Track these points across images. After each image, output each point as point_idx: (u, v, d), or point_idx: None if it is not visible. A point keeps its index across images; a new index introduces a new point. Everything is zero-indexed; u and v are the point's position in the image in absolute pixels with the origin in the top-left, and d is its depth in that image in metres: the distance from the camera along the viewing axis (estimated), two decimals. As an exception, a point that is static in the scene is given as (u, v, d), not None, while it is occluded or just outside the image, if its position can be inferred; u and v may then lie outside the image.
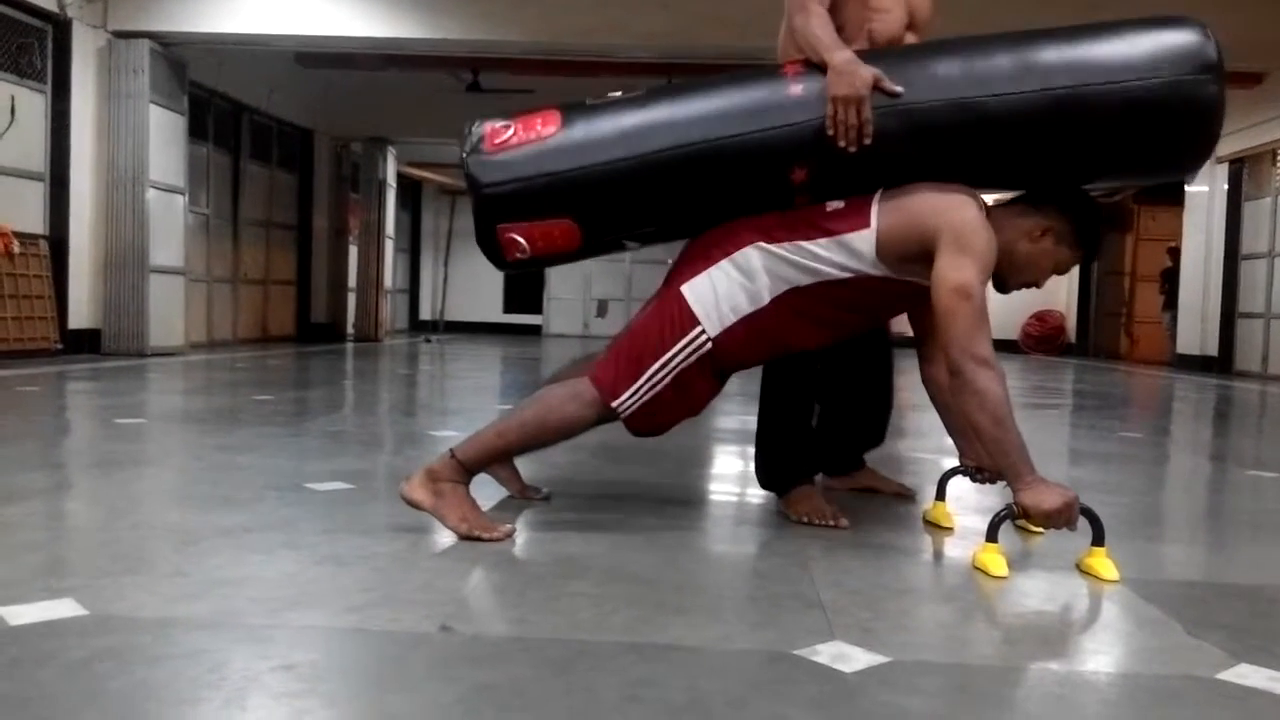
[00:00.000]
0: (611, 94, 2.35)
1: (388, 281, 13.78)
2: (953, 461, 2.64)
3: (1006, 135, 2.18)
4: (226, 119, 10.98)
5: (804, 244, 2.21)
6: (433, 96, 11.58)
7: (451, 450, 2.27)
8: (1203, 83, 2.10)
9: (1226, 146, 11.54)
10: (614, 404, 2.23)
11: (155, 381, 6.32)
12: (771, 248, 2.22)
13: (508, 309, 18.44)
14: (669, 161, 2.22)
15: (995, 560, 2.05)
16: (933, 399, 2.55)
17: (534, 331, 17.75)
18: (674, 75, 9.88)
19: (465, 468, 2.26)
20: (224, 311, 11.10)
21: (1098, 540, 2.07)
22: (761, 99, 2.24)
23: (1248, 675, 1.50)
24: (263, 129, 11.81)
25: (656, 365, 2.23)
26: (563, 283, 17.76)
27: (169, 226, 8.65)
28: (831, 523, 2.42)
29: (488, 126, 2.27)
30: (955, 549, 2.32)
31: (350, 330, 13.14)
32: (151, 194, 8.33)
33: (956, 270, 2.10)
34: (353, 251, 13.31)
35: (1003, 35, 2.26)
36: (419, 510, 2.23)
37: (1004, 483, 2.21)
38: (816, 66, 2.25)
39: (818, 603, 1.82)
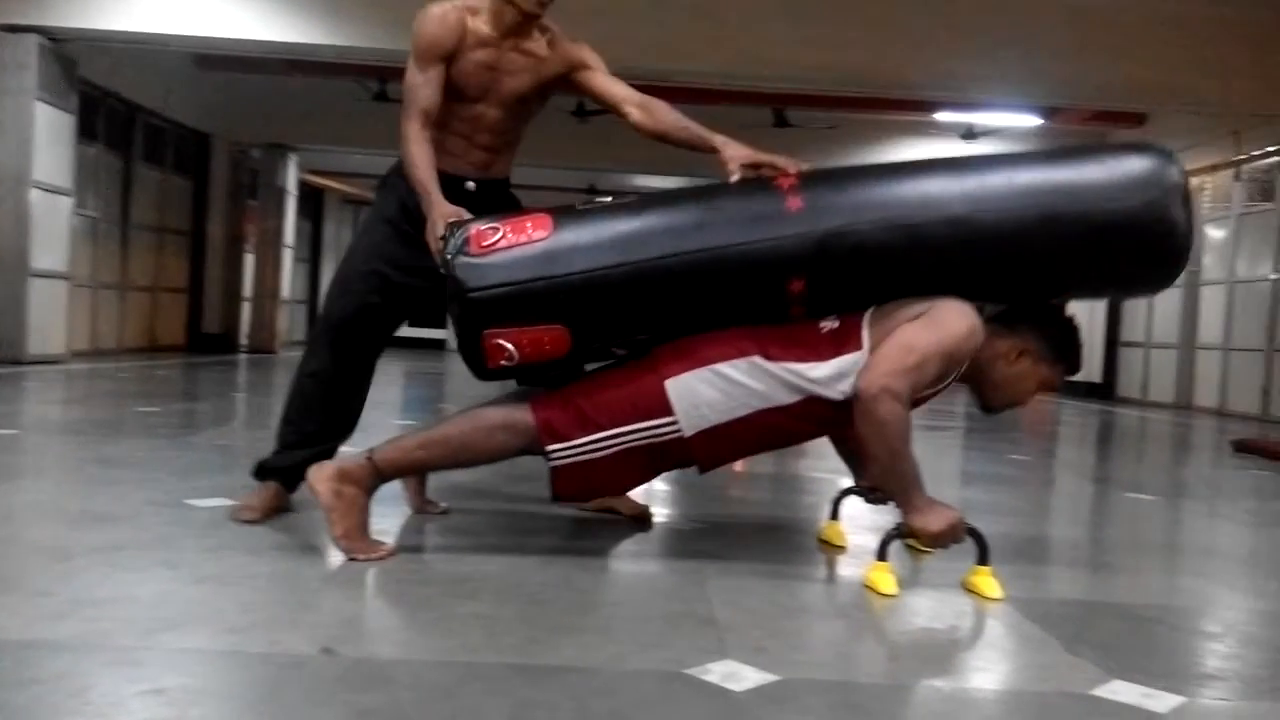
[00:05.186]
0: (600, 200, 2.33)
1: (285, 292, 13.43)
2: (848, 481, 2.68)
3: (997, 250, 2.23)
4: (119, 120, 10.59)
5: (797, 366, 2.18)
6: (338, 104, 11.36)
7: (369, 453, 2.21)
8: (1168, 205, 2.20)
9: (1110, 182, 12.06)
10: (549, 447, 2.17)
11: (32, 391, 6.04)
12: (767, 365, 2.18)
13: (409, 322, 18.17)
14: (667, 269, 2.18)
15: (885, 579, 2.08)
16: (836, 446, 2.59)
17: (437, 346, 17.52)
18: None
19: (380, 473, 2.20)
20: (110, 319, 10.66)
21: (982, 560, 2.12)
22: (760, 210, 2.24)
23: (1120, 691, 1.54)
24: (157, 131, 11.42)
25: (611, 432, 2.17)
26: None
27: (53, 229, 8.28)
28: (246, 516, 2.42)
29: (473, 229, 2.19)
30: (848, 568, 2.35)
31: (244, 341, 12.76)
32: (34, 195, 7.96)
33: (921, 332, 2.12)
34: (249, 260, 12.95)
35: (989, 157, 2.39)
36: (314, 497, 2.17)
37: (895, 503, 2.25)
38: (812, 180, 2.28)
39: (712, 621, 1.82)
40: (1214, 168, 10.05)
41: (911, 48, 7.86)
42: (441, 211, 2.25)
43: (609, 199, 2.35)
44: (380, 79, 10.50)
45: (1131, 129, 10.99)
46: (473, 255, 2.16)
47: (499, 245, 2.17)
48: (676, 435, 2.18)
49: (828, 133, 11.94)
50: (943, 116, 10.78)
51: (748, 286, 2.21)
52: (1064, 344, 2.32)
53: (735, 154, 2.34)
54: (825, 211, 2.21)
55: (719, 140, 2.39)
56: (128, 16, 7.80)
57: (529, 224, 2.21)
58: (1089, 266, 2.27)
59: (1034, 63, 7.89)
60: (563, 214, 2.27)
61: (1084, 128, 11.18)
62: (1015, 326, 2.30)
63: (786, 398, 2.18)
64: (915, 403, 2.17)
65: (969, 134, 11.74)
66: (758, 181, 2.33)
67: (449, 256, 2.17)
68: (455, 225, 2.22)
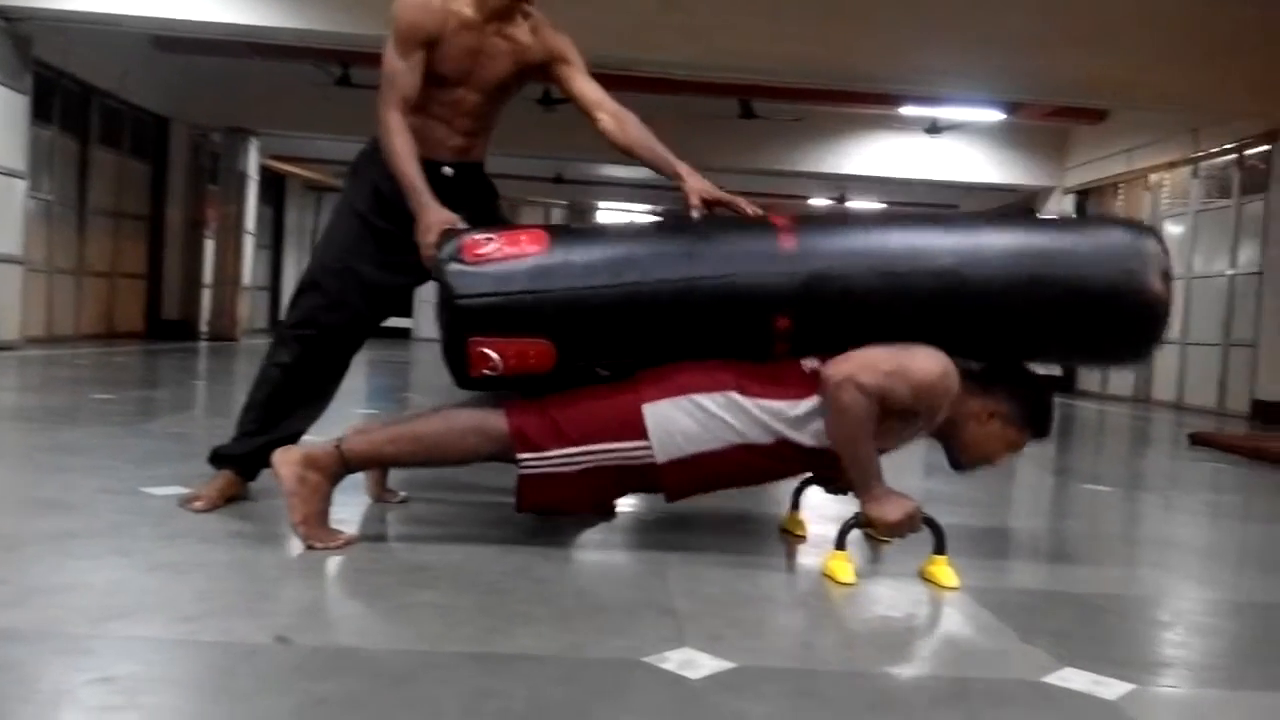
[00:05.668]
0: (595, 222, 2.33)
1: (246, 278, 13.25)
2: (808, 472, 2.68)
3: (979, 306, 2.25)
4: (74, 101, 10.38)
5: (775, 404, 2.18)
6: (300, 88, 11.23)
7: (338, 442, 2.19)
8: (1147, 278, 2.24)
9: (1073, 178, 12.24)
10: (520, 456, 2.16)
11: (-15, 376, 5.92)
12: (744, 401, 2.18)
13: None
14: (657, 294, 2.19)
15: (843, 567, 2.10)
16: None
17: (403, 335, 17.40)
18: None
19: (347, 464, 2.19)
20: (66, 305, 10.46)
21: (939, 549, 2.15)
22: (753, 246, 2.25)
23: (1071, 679, 1.57)
24: (114, 114, 11.21)
25: (583, 448, 2.16)
26: (434, 286, 17.39)
27: (6, 212, 8.14)
28: (196, 506, 2.40)
29: (467, 238, 2.19)
30: (808, 557, 2.36)
31: (204, 328, 12.59)
32: (-13, 177, 7.82)
33: (893, 355, 2.12)
34: (209, 246, 12.77)
35: (980, 215, 2.44)
36: (277, 482, 2.14)
37: (854, 493, 2.27)
38: (805, 220, 2.34)
39: (670, 610, 1.82)
40: (1172, 164, 10.20)
41: (878, 41, 7.89)
42: (438, 218, 2.23)
43: (605, 222, 2.36)
44: (342, 63, 10.39)
45: (1093, 125, 11.13)
46: (465, 263, 2.16)
47: (492, 256, 2.17)
48: (648, 460, 2.18)
49: (793, 125, 11.98)
50: (907, 110, 10.84)
51: (735, 319, 2.23)
52: (1036, 411, 2.33)
53: (696, 186, 2.38)
54: (816, 253, 2.24)
55: (683, 169, 2.41)
56: (84, -5, 7.65)
57: (523, 238, 2.21)
58: (1067, 331, 2.30)
59: (998, 57, 7.95)
60: (557, 231, 2.28)
61: (1045, 123, 11.31)
62: (990, 388, 2.30)
63: (760, 437, 2.19)
64: (881, 450, 2.19)
65: (933, 128, 11.83)
66: (755, 219, 2.37)
67: (441, 262, 2.16)
68: (449, 233, 2.21)
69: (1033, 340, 2.35)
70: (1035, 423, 2.34)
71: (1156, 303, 2.26)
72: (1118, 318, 2.27)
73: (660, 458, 2.17)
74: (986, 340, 2.33)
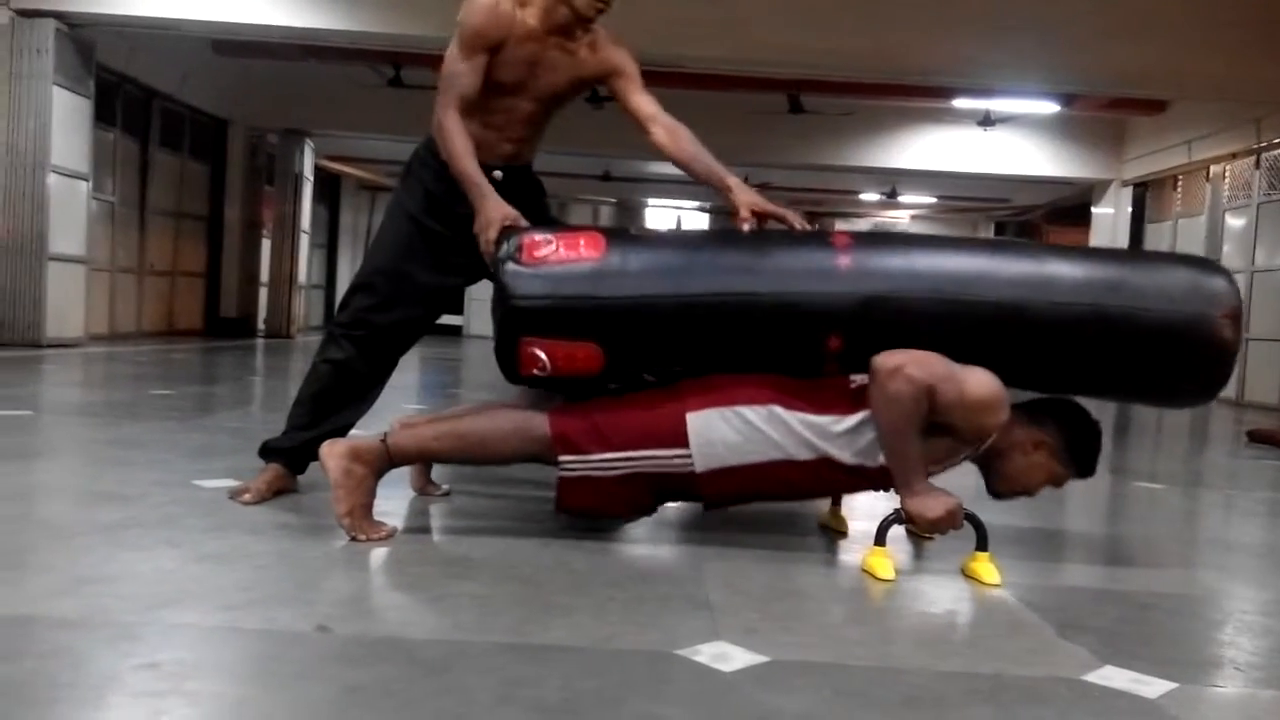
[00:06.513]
0: (653, 229, 2.35)
1: (302, 277, 13.46)
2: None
3: (1037, 336, 2.22)
4: (136, 105, 10.63)
5: (819, 419, 2.18)
6: (353, 90, 11.37)
7: (384, 437, 2.24)
8: (1217, 321, 2.20)
9: (1131, 170, 11.98)
10: (562, 457, 2.19)
11: (49, 373, 6.09)
12: (786, 415, 2.18)
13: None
14: (710, 306, 2.20)
15: (882, 563, 2.09)
16: None
17: (454, 332, 17.57)
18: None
19: (391, 458, 2.23)
20: (128, 303, 10.73)
21: (981, 545, 2.12)
22: (811, 263, 2.25)
23: (1111, 677, 1.55)
24: (174, 116, 11.46)
25: (624, 453, 2.18)
26: (485, 284, 17.52)
27: (71, 213, 8.34)
28: (244, 499, 2.44)
29: (526, 238, 2.22)
30: (847, 553, 2.35)
31: (261, 326, 12.83)
32: (52, 179, 8.02)
33: (947, 364, 2.09)
34: (266, 245, 13.00)
35: (1046, 246, 2.38)
36: (324, 474, 2.18)
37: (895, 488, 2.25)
38: (866, 239, 2.36)
39: (706, 603, 1.83)
40: (1234, 155, 9.94)
41: (927, 33, 7.80)
42: (499, 213, 2.26)
43: (664, 229, 2.37)
44: (395, 64, 10.50)
45: (1152, 116, 10.89)
46: (522, 264, 2.19)
47: (549, 258, 2.20)
48: (688, 469, 2.19)
49: (843, 119, 11.88)
50: (960, 103, 10.70)
51: (787, 336, 2.23)
52: (1083, 448, 2.29)
53: (746, 199, 2.39)
54: (874, 274, 2.23)
55: (733, 182, 2.43)
56: (144, 1, 7.83)
57: (582, 242, 2.23)
58: (1126, 369, 2.27)
59: (1052, 48, 7.81)
60: (616, 237, 2.30)
61: (1102, 114, 11.08)
62: (1038, 418, 2.27)
63: (801, 453, 2.18)
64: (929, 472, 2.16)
65: (986, 120, 11.65)
66: (811, 233, 2.36)
67: (499, 261, 2.20)
68: (509, 230, 2.24)
69: (1090, 375, 2.30)
70: (1080, 460, 2.29)
71: (1221, 346, 2.20)
72: (1180, 359, 2.23)
73: (699, 467, 2.18)
74: (1043, 371, 2.29)
